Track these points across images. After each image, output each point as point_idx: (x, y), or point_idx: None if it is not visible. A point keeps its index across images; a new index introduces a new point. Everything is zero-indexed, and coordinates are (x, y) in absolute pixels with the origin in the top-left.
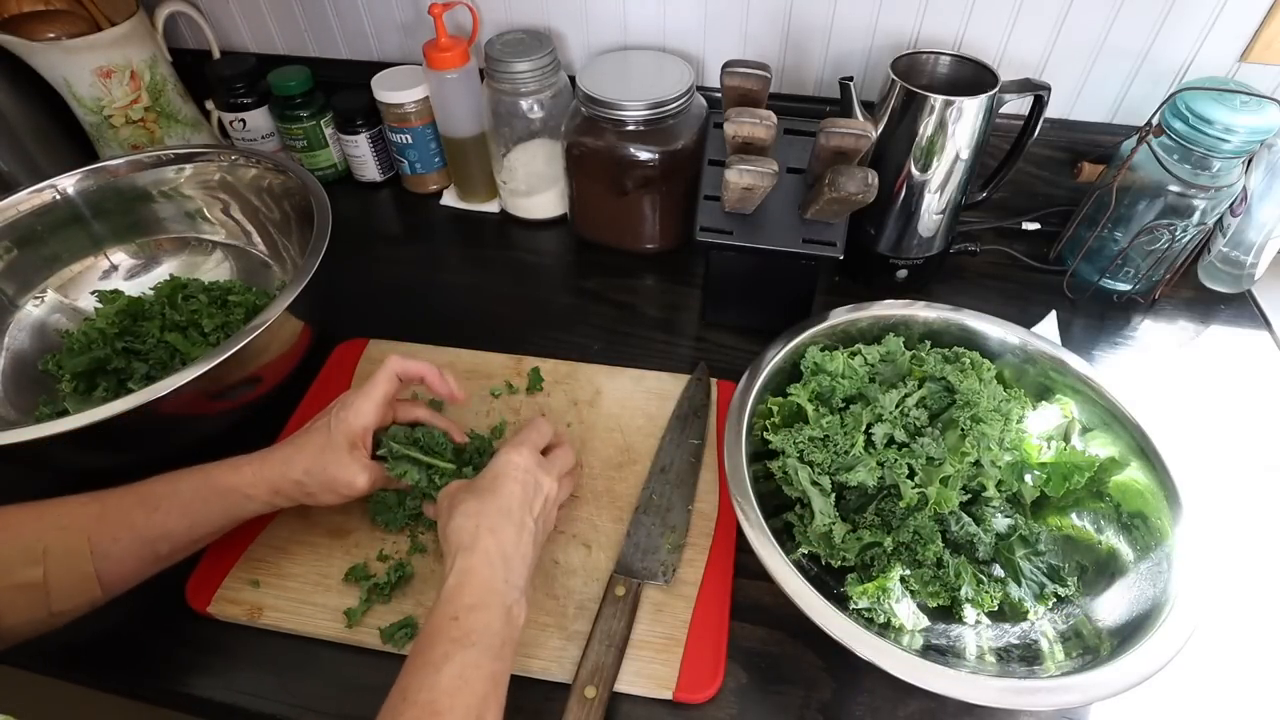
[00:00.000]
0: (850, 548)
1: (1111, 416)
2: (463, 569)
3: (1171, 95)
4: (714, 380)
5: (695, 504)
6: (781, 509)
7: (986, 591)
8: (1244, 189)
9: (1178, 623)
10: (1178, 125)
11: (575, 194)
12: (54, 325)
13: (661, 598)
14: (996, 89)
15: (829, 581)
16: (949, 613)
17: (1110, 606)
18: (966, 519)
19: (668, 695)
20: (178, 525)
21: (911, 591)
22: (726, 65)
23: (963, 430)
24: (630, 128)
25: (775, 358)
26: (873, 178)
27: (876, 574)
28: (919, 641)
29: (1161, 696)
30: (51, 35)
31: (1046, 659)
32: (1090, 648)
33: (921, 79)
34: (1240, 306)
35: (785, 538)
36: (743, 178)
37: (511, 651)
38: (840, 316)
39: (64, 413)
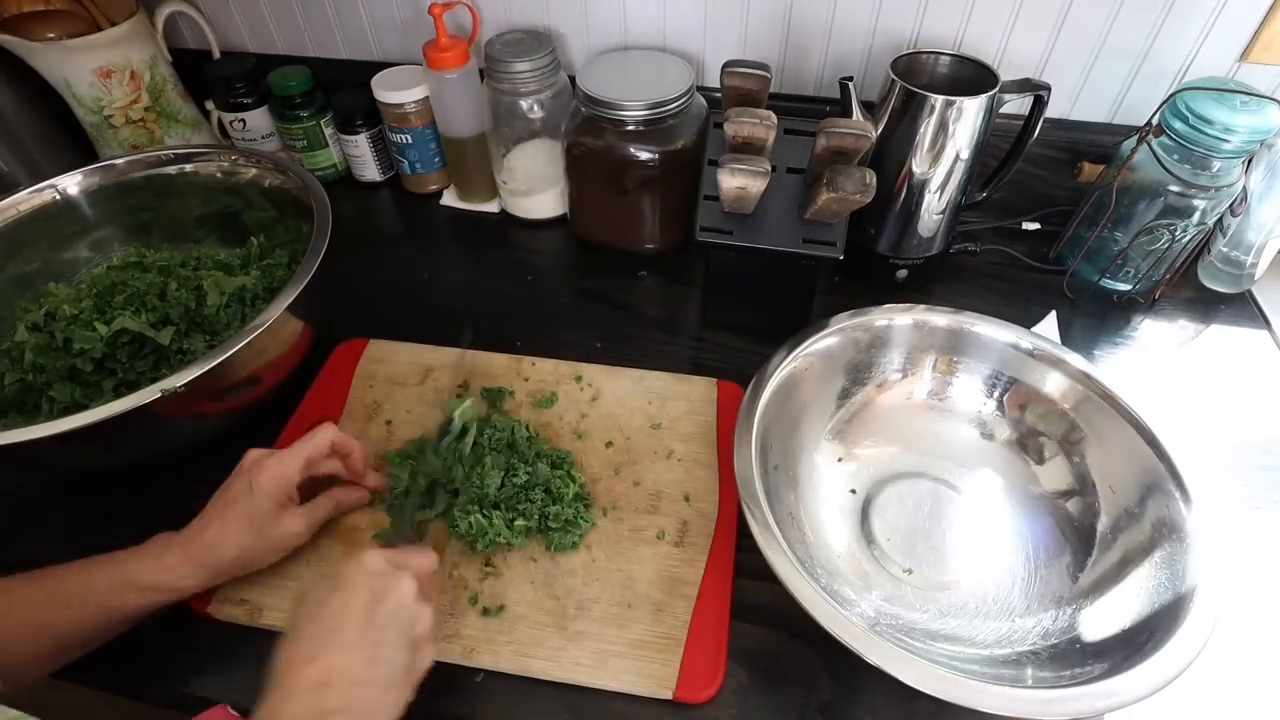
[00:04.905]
0: None
1: (1116, 413)
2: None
3: (1171, 95)
4: (714, 380)
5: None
6: None
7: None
8: (1244, 189)
9: (1193, 631)
10: (1178, 125)
11: (575, 194)
12: None
13: (662, 598)
14: (996, 89)
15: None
16: None
17: (1110, 615)
18: None
19: (668, 695)
20: (92, 621)
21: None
22: (726, 65)
23: None
24: (630, 128)
25: (782, 363)
26: (871, 178)
27: None
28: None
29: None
30: (51, 35)
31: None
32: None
33: (921, 79)
34: (1240, 306)
35: None
36: (735, 177)
37: None
38: (843, 322)
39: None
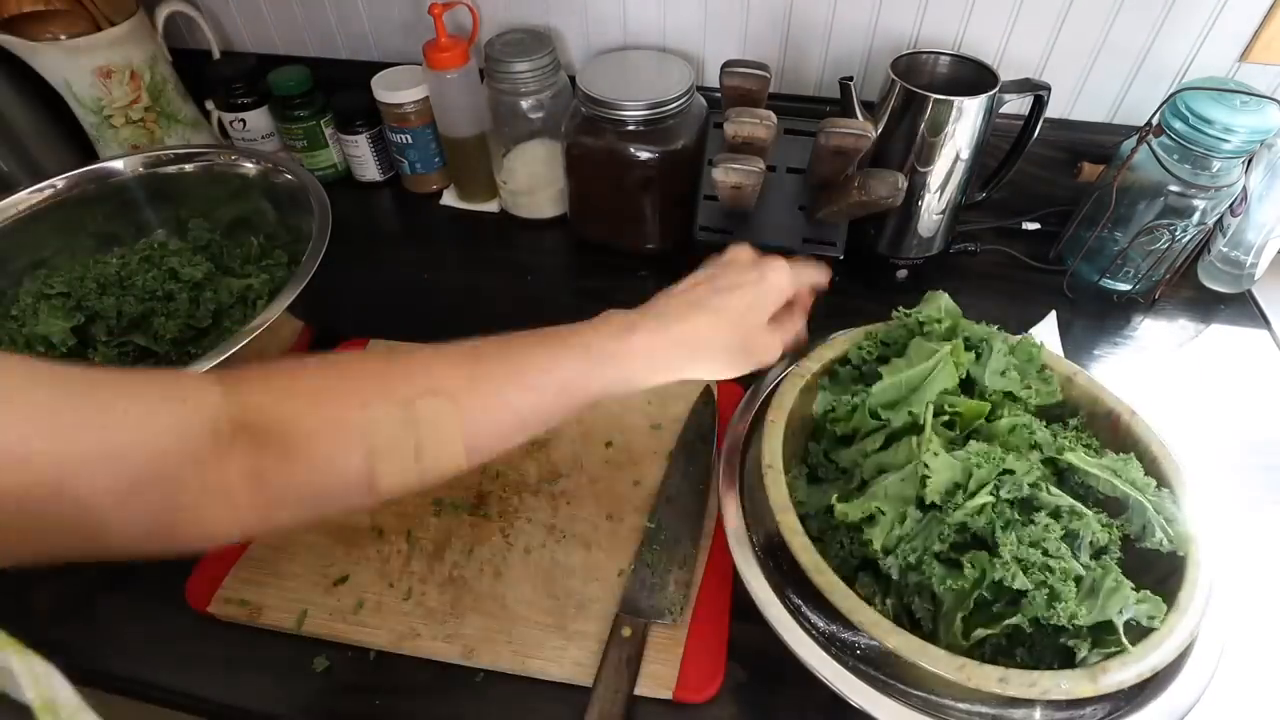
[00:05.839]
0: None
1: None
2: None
3: (1171, 95)
4: (714, 380)
5: (704, 539)
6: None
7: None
8: (1244, 189)
9: (1198, 670)
10: (1178, 125)
11: (575, 194)
12: None
13: None
14: (996, 89)
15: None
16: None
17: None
18: None
19: (668, 695)
20: (552, 404)
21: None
22: (726, 65)
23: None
24: (630, 128)
25: (778, 377)
26: (902, 181)
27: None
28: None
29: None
30: (51, 35)
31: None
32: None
33: (921, 79)
34: (1240, 306)
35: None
36: (729, 175)
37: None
38: (840, 335)
39: None
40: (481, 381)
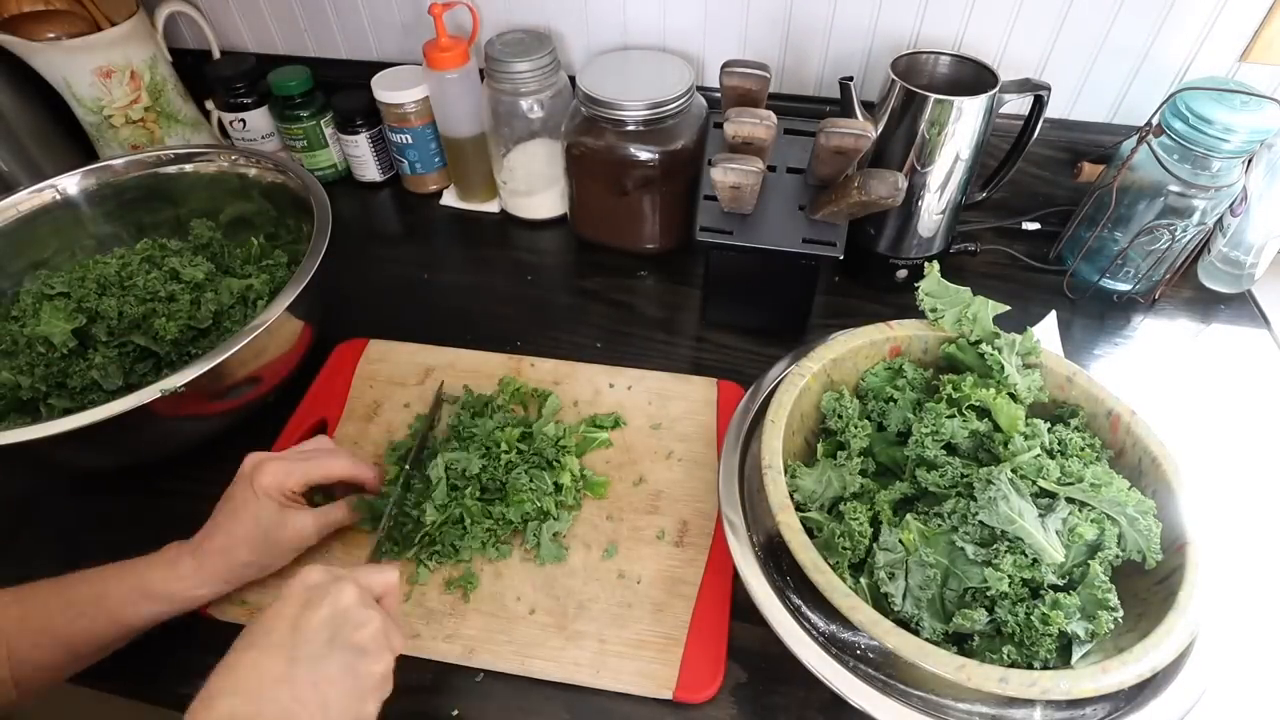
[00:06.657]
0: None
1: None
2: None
3: (1171, 95)
4: (715, 380)
5: None
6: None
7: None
8: (1244, 189)
9: (1196, 672)
10: (1178, 125)
11: (575, 194)
12: None
13: (662, 597)
14: (996, 89)
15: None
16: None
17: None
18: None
19: (668, 695)
20: (105, 631)
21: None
22: (726, 65)
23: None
24: (630, 128)
25: (778, 377)
26: (902, 181)
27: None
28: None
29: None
30: (51, 35)
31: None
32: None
33: (921, 79)
34: (1240, 306)
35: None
36: (728, 175)
37: None
38: (840, 335)
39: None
40: (32, 619)
